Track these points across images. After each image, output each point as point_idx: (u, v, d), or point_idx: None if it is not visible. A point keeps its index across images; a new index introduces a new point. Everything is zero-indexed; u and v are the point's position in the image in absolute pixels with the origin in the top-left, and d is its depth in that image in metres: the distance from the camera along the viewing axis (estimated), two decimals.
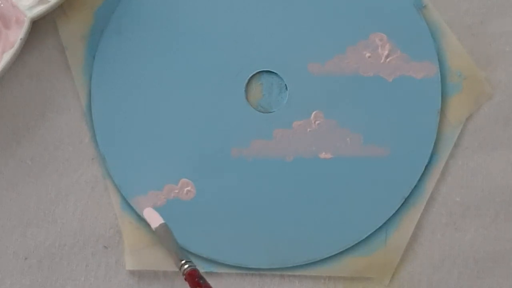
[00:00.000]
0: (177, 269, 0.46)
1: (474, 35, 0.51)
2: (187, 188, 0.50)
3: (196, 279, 0.45)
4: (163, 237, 0.48)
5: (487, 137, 0.51)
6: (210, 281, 0.50)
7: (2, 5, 0.49)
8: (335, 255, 0.50)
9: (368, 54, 0.50)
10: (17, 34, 0.48)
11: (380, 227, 0.50)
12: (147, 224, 0.50)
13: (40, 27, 0.51)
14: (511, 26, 0.52)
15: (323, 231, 0.50)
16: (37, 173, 0.51)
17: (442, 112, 0.51)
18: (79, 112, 0.51)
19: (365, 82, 0.50)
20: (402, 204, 0.50)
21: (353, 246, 0.50)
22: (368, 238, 0.50)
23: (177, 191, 0.50)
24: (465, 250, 0.51)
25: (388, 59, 0.50)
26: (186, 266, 0.46)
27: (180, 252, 0.47)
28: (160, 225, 0.48)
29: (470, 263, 0.51)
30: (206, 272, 0.50)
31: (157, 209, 0.50)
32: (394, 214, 0.50)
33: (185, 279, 0.45)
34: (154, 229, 0.48)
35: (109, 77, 0.50)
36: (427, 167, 0.50)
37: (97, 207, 0.50)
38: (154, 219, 0.48)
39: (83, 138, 0.51)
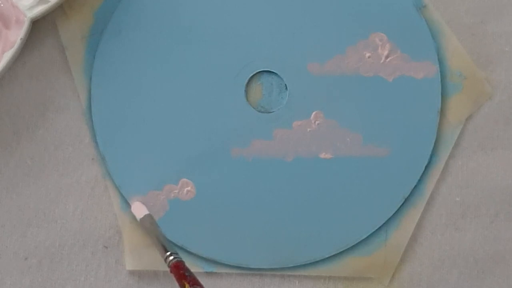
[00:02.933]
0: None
1: (474, 35, 0.51)
2: (187, 188, 0.50)
3: (181, 271, 0.44)
4: (148, 228, 0.48)
5: (487, 137, 0.51)
6: (210, 281, 0.50)
7: (2, 5, 0.49)
8: (335, 255, 0.50)
9: (368, 54, 0.50)
10: (17, 34, 0.48)
11: (380, 227, 0.50)
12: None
13: (40, 27, 0.51)
14: (511, 26, 0.52)
15: (323, 231, 0.50)
16: (37, 173, 0.51)
17: (442, 112, 0.51)
18: (79, 112, 0.51)
19: (365, 82, 0.50)
20: (402, 204, 0.50)
21: (353, 246, 0.50)
22: (368, 238, 0.50)
23: (177, 191, 0.50)
24: (465, 250, 0.51)
25: (388, 59, 0.50)
26: (171, 257, 0.45)
27: (166, 243, 0.47)
28: (145, 216, 0.48)
29: (470, 263, 0.51)
30: (206, 272, 0.50)
31: (157, 209, 0.50)
32: (394, 214, 0.50)
33: (170, 271, 0.45)
34: (139, 220, 0.48)
35: (109, 77, 0.50)
36: (427, 167, 0.50)
37: (97, 207, 0.50)
38: (139, 211, 0.48)
39: (83, 138, 0.51)
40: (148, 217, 0.48)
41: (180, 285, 0.44)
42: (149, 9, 0.51)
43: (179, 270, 0.45)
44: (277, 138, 0.50)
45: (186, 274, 0.44)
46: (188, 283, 0.44)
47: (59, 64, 0.51)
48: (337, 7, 0.51)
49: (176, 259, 0.45)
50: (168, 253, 0.46)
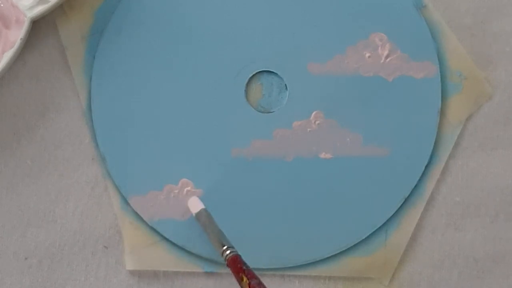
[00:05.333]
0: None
1: (474, 35, 0.51)
2: (187, 188, 0.50)
3: (239, 265, 0.44)
4: (204, 222, 0.47)
5: (487, 137, 0.51)
6: (210, 281, 0.50)
7: (2, 5, 0.49)
8: (335, 255, 0.50)
9: (368, 54, 0.50)
10: (17, 34, 0.48)
11: (380, 227, 0.50)
12: (147, 224, 0.50)
13: (40, 27, 0.51)
14: (511, 26, 0.52)
15: (323, 231, 0.50)
16: (37, 173, 0.51)
17: (442, 112, 0.51)
18: (79, 112, 0.51)
19: (365, 82, 0.50)
20: (402, 204, 0.50)
21: (353, 246, 0.50)
22: (368, 238, 0.50)
23: (177, 191, 0.50)
24: (465, 250, 0.51)
25: (388, 59, 0.50)
26: (228, 252, 0.45)
27: (222, 238, 0.46)
28: (201, 210, 0.48)
29: (470, 263, 0.51)
30: (206, 272, 0.50)
31: (157, 209, 0.50)
32: (394, 214, 0.50)
33: (227, 265, 0.45)
34: (194, 215, 0.48)
35: (109, 77, 0.50)
36: (427, 167, 0.50)
37: (97, 207, 0.50)
38: (195, 205, 0.48)
39: (83, 138, 0.51)
40: (204, 211, 0.48)
41: (237, 278, 0.43)
42: (149, 9, 0.51)
43: (237, 264, 0.44)
44: (277, 138, 0.50)
45: (244, 267, 0.44)
46: (246, 276, 0.43)
47: (59, 64, 0.51)
48: (337, 7, 0.51)
49: (232, 253, 0.45)
50: (225, 247, 0.45)
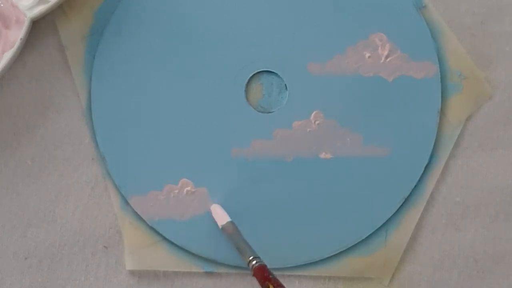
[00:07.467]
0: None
1: (474, 35, 0.51)
2: (187, 188, 0.50)
3: (266, 274, 0.44)
4: (231, 234, 0.48)
5: (487, 137, 0.51)
6: (210, 281, 0.50)
7: (2, 5, 0.49)
8: (335, 255, 0.50)
9: (368, 54, 0.50)
10: (17, 34, 0.48)
11: (380, 227, 0.50)
12: (146, 224, 0.50)
13: (40, 27, 0.51)
14: (511, 26, 0.52)
15: (323, 231, 0.50)
16: (37, 173, 0.51)
17: (442, 112, 0.51)
18: (79, 112, 0.51)
19: (365, 82, 0.50)
20: (402, 204, 0.50)
21: (353, 246, 0.50)
22: (368, 238, 0.50)
23: (177, 191, 0.50)
24: (465, 250, 0.51)
25: (388, 59, 0.50)
26: (254, 262, 0.45)
27: (247, 248, 0.47)
28: (227, 223, 0.48)
29: (470, 263, 0.51)
30: (206, 272, 0.50)
31: (157, 209, 0.50)
32: (394, 214, 0.50)
33: (253, 275, 0.45)
34: (220, 226, 0.48)
35: (109, 77, 0.50)
36: (427, 167, 0.50)
37: (97, 207, 0.50)
38: (221, 217, 0.48)
39: (83, 138, 0.51)
40: (231, 224, 0.48)
41: (263, 287, 0.44)
42: (150, 9, 0.51)
43: (263, 273, 0.45)
44: (277, 138, 0.50)
45: (270, 276, 0.44)
46: (272, 284, 0.44)
47: (59, 64, 0.51)
48: (337, 7, 0.51)
49: (259, 263, 0.45)
50: (251, 258, 0.46)
